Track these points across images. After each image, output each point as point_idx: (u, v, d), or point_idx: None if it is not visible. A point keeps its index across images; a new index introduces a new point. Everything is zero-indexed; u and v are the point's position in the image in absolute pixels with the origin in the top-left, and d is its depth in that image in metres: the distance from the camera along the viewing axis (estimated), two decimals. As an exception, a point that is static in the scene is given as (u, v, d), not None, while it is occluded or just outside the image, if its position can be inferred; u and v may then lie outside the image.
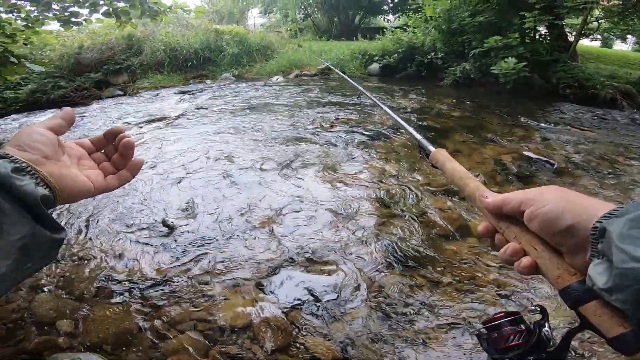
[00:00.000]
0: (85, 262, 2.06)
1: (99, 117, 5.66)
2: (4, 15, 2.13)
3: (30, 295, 1.82)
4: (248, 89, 6.92)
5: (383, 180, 2.80)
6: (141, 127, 4.58)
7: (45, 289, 1.86)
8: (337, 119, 4.37)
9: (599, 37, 11.91)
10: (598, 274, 0.30)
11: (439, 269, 1.91)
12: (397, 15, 15.80)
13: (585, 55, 9.75)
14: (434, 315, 1.63)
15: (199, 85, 8.17)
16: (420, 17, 8.31)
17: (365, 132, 3.83)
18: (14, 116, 6.77)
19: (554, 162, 3.21)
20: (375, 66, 8.47)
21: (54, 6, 2.13)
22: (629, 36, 14.42)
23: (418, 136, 0.68)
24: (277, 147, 3.47)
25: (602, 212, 0.32)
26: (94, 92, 8.41)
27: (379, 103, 0.93)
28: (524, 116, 4.81)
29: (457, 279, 1.84)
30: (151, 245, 2.15)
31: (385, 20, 16.84)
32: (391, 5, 15.61)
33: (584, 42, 10.01)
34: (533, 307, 0.42)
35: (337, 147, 3.44)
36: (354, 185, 2.72)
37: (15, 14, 2.14)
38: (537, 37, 6.75)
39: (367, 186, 2.71)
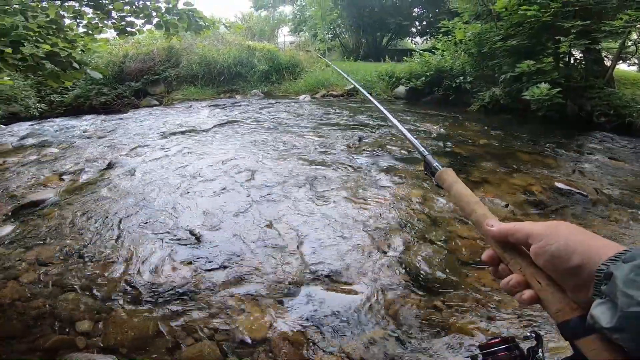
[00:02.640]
0: (112, 264, 2.15)
1: (134, 126, 5.96)
2: (67, 21, 2.29)
3: (54, 293, 1.90)
4: (276, 106, 7.09)
5: (406, 205, 2.78)
6: (173, 138, 4.79)
7: (70, 288, 1.94)
8: (361, 140, 4.40)
9: (636, 61, 11.44)
10: (601, 313, 0.32)
11: (460, 294, 1.86)
12: (424, 37, 15.96)
13: (622, 81, 9.36)
14: (451, 339, 1.58)
15: (229, 100, 8.46)
16: (450, 41, 8.23)
17: (390, 156, 3.83)
18: (56, 119, 7.21)
19: (586, 194, 3.08)
20: (401, 89, 8.41)
21: (113, 15, 2.29)
22: None
23: (424, 152, 0.66)
24: (302, 166, 3.53)
25: (608, 254, 0.33)
26: (133, 100, 8.91)
27: (389, 115, 0.91)
28: (556, 145, 4.66)
29: (478, 305, 1.78)
30: (177, 253, 2.22)
31: (413, 42, 16.97)
32: (419, 27, 15.78)
33: (621, 67, 9.65)
34: (528, 334, 0.43)
35: (361, 169, 3.45)
36: (377, 209, 2.71)
37: (78, 19, 2.30)
38: (571, 61, 6.52)
39: (390, 210, 2.70)
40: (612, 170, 3.84)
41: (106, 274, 2.06)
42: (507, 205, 2.79)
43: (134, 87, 9.22)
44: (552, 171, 3.66)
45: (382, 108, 0.92)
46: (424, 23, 15.38)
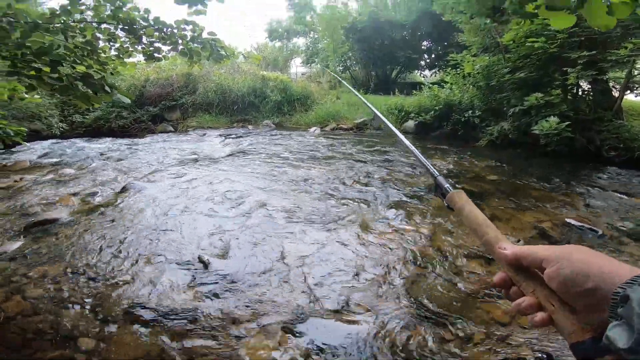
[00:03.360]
0: (119, 285, 2.16)
1: (149, 151, 6.15)
2: (101, 43, 2.42)
3: (58, 309, 1.91)
4: (287, 138, 7.23)
5: (415, 239, 2.76)
6: (186, 166, 4.91)
7: (74, 306, 1.95)
8: (370, 174, 4.44)
9: None
10: (617, 335, 0.32)
11: (469, 326, 1.81)
12: (433, 70, 16.27)
13: (630, 112, 9.26)
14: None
15: (241, 130, 8.68)
16: (459, 74, 8.25)
17: (399, 190, 3.84)
18: (75, 140, 7.47)
19: (598, 230, 3.02)
20: (410, 123, 8.36)
21: (144, 40, 2.43)
22: None
23: (436, 173, 0.66)
24: (311, 199, 3.56)
25: (624, 277, 0.35)
26: (149, 125, 9.23)
27: (397, 132, 0.91)
28: (566, 180, 4.62)
29: (488, 337, 1.72)
30: (184, 278, 2.23)
31: (422, 75, 17.30)
32: (428, 61, 16.07)
33: (629, 97, 9.55)
34: (540, 355, 0.44)
35: (370, 203, 3.46)
36: (385, 242, 2.70)
37: (111, 42, 2.45)
38: (579, 93, 6.48)
39: (398, 244, 2.68)
40: (624, 206, 3.77)
41: (112, 294, 2.07)
42: (518, 241, 2.75)
43: (151, 112, 9.55)
44: (563, 207, 3.61)
45: (396, 131, 0.94)
46: (433, 56, 15.67)
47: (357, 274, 2.27)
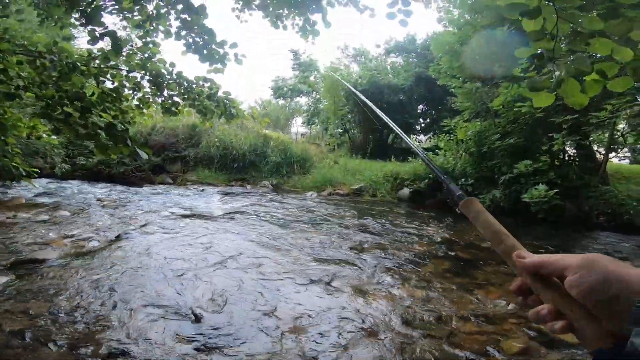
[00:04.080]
0: (102, 328, 2.06)
1: (147, 202, 6.17)
2: (126, 91, 2.55)
3: (35, 346, 1.82)
4: (284, 201, 7.27)
5: (410, 303, 2.72)
6: (184, 220, 4.90)
7: (53, 344, 1.85)
8: (366, 241, 4.44)
9: (628, 154, 11.71)
10: None
11: None
12: (428, 135, 16.63)
13: (616, 176, 9.49)
14: None
15: (239, 189, 8.69)
16: (452, 140, 8.39)
17: (394, 257, 3.83)
18: (74, 182, 7.48)
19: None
20: (405, 191, 8.32)
21: (165, 93, 2.59)
22: None
23: (447, 180, 0.65)
24: (306, 262, 3.53)
25: None
26: (149, 175, 9.28)
27: (406, 138, 0.92)
28: (557, 246, 4.67)
29: None
30: (173, 329, 2.13)
31: (417, 140, 17.77)
32: (423, 125, 16.39)
33: (614, 160, 9.79)
34: None
35: (365, 268, 3.43)
36: (380, 305, 2.66)
37: (135, 92, 2.58)
38: (566, 158, 6.67)
39: (393, 306, 2.63)
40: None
41: (95, 336, 1.96)
42: (508, 304, 2.72)
43: (153, 162, 9.58)
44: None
45: (407, 140, 0.94)
46: (428, 120, 15.97)
47: (350, 334, 2.19)
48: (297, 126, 22.88)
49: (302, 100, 22.29)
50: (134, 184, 8.42)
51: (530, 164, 6.05)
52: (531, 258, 0.45)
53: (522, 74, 5.76)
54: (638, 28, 1.32)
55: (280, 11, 3.13)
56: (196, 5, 2.32)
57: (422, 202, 7.99)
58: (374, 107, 1.08)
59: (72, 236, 3.77)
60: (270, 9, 3.07)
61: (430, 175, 7.94)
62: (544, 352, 2.05)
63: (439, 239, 4.81)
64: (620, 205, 5.79)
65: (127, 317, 2.21)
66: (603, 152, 7.22)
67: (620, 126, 7.39)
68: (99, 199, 5.98)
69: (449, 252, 4.23)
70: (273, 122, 17.86)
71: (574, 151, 6.92)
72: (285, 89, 21.29)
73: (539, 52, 1.52)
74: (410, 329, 2.30)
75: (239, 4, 3.15)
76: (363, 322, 2.35)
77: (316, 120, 18.65)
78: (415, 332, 2.27)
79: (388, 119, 1.02)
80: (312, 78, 21.45)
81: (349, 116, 15.74)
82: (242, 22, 3.34)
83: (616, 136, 7.13)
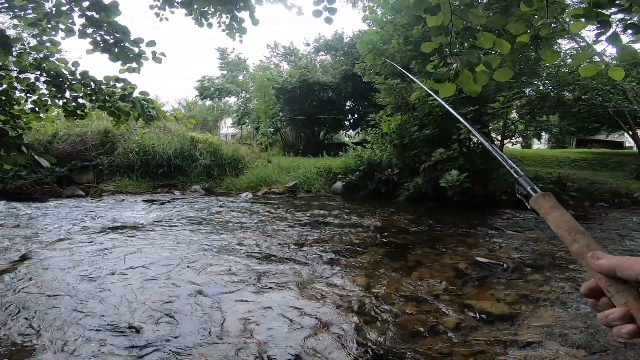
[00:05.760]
0: (33, 349, 1.85)
1: (55, 217, 5.41)
2: (17, 93, 2.16)
3: None
4: (217, 204, 6.98)
5: (353, 291, 2.85)
6: (103, 234, 4.41)
7: None
8: (304, 236, 4.51)
9: (519, 139, 13.87)
10: None
11: None
12: (356, 130, 17.41)
13: (512, 160, 11.16)
14: None
15: (166, 196, 8.08)
16: (378, 133, 8.88)
17: (334, 250, 3.96)
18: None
19: (502, 264, 3.48)
20: (338, 184, 8.59)
21: (66, 94, 2.25)
22: (543, 134, 16.89)
23: (520, 173, 0.61)
24: (246, 262, 3.45)
25: None
26: (54, 188, 8.09)
27: (476, 132, 0.87)
28: (473, 225, 5.31)
29: None
30: (114, 344, 1.96)
31: (347, 135, 18.53)
32: (351, 120, 17.21)
33: (508, 146, 11.45)
34: None
35: (307, 263, 3.49)
36: (324, 296, 2.73)
37: (28, 94, 2.20)
38: (472, 146, 7.50)
39: (338, 296, 2.73)
40: (518, 241, 4.45)
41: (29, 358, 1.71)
42: (440, 282, 3.04)
43: (57, 173, 8.35)
44: (473, 248, 4.11)
45: (470, 127, 0.90)
46: (356, 116, 16.77)
47: (300, 327, 2.22)
48: (227, 127, 22.10)
49: (232, 100, 21.63)
50: (36, 200, 7.31)
51: (444, 152, 6.76)
52: (608, 259, 0.43)
53: (433, 70, 6.40)
54: (512, 21, 1.56)
55: (206, 9, 2.98)
56: (107, 2, 2.08)
57: (354, 193, 8.35)
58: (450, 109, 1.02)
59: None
60: (195, 7, 2.90)
61: (361, 168, 8.34)
62: (474, 324, 2.31)
63: (372, 228, 5.11)
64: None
65: (54, 339, 1.99)
66: (499, 139, 8.37)
67: (512, 115, 8.65)
68: (-10, 221, 5.06)
69: (383, 239, 4.51)
70: (200, 124, 16.95)
71: (478, 139, 7.85)
72: (212, 89, 20.40)
73: (439, 46, 1.71)
74: (357, 316, 2.42)
75: (158, 1, 2.91)
76: (310, 316, 2.40)
77: (247, 120, 18.26)
78: (362, 318, 2.39)
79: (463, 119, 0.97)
80: (240, 77, 20.94)
81: (280, 115, 15.77)
82: (162, 20, 3.09)
83: (509, 124, 8.33)
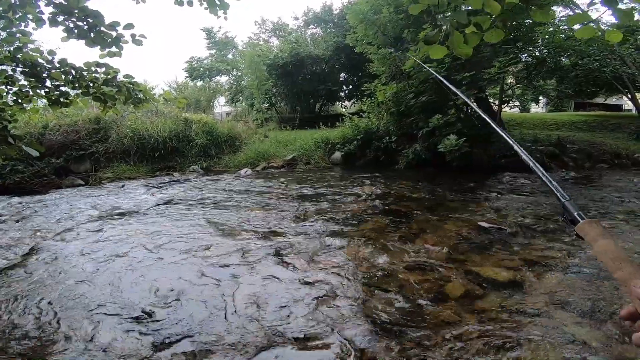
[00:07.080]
0: (51, 342, 1.90)
1: (57, 208, 5.41)
2: None
3: None
4: (217, 182, 6.94)
5: (358, 262, 2.87)
6: (108, 221, 4.41)
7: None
8: (306, 208, 4.50)
9: (517, 103, 13.79)
10: None
11: (425, 333, 1.91)
12: (352, 101, 17.38)
13: (510, 123, 11.08)
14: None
15: (166, 178, 8.05)
16: (373, 102, 8.85)
17: (336, 221, 3.96)
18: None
19: (504, 228, 3.51)
20: (337, 155, 8.62)
21: (47, 84, 2.18)
22: (541, 98, 16.79)
23: (565, 197, 0.61)
24: (253, 238, 3.48)
25: None
26: (53, 179, 8.05)
27: (526, 157, 0.81)
28: (473, 189, 5.31)
29: (444, 339, 1.84)
30: (127, 329, 2.01)
31: (343, 106, 18.40)
32: (347, 92, 17.14)
33: (506, 110, 11.40)
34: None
35: (311, 235, 3.51)
36: (334, 268, 2.76)
37: (8, 86, 2.14)
38: (469, 111, 7.49)
39: (344, 268, 2.76)
40: (519, 203, 4.47)
41: (46, 351, 1.79)
42: (443, 248, 3.04)
43: (54, 164, 8.29)
44: (475, 213, 4.12)
45: (485, 117, 0.86)
46: (351, 87, 16.66)
47: (310, 301, 2.26)
48: (221, 106, 21.82)
49: (223, 79, 21.46)
50: (37, 192, 7.29)
51: (441, 118, 6.73)
52: None
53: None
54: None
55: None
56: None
57: (353, 163, 8.38)
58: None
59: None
60: (172, -16, 2.71)
61: (358, 137, 8.31)
62: (480, 292, 2.33)
63: (373, 196, 5.12)
64: (497, 148, 6.68)
65: (72, 327, 2.04)
66: (497, 104, 8.32)
67: (509, 80, 8.54)
68: (-6, 217, 5.06)
69: (385, 207, 4.53)
70: (193, 104, 16.66)
71: (475, 103, 7.82)
72: (201, 69, 19.96)
73: (427, 7, 1.61)
74: (365, 287, 2.46)
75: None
76: (319, 288, 2.43)
77: (240, 98, 18.01)
78: (370, 289, 2.42)
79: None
80: (230, 56, 20.59)
81: (274, 90, 15.52)
82: (139, 3, 2.92)
83: (506, 89, 8.26)
